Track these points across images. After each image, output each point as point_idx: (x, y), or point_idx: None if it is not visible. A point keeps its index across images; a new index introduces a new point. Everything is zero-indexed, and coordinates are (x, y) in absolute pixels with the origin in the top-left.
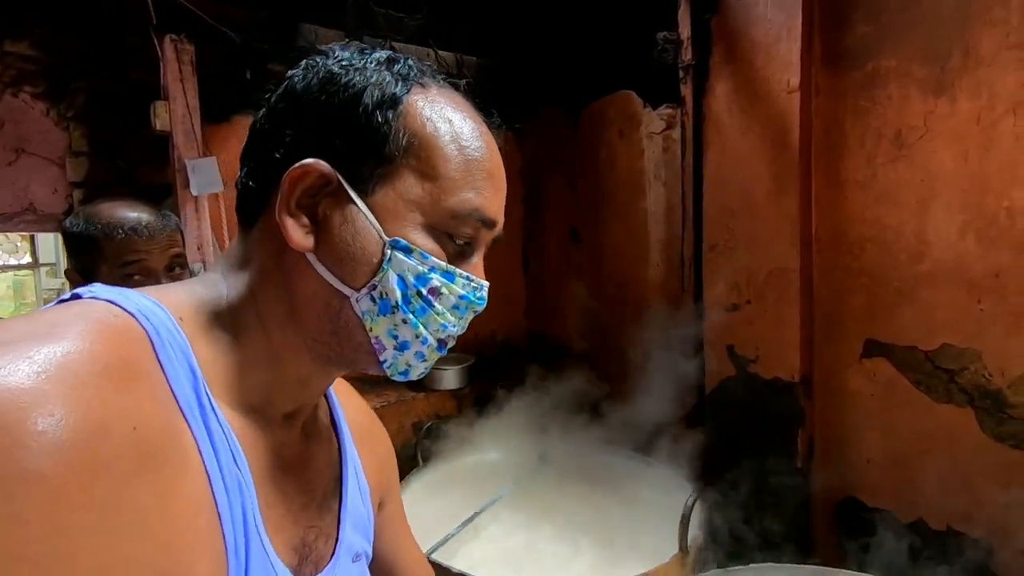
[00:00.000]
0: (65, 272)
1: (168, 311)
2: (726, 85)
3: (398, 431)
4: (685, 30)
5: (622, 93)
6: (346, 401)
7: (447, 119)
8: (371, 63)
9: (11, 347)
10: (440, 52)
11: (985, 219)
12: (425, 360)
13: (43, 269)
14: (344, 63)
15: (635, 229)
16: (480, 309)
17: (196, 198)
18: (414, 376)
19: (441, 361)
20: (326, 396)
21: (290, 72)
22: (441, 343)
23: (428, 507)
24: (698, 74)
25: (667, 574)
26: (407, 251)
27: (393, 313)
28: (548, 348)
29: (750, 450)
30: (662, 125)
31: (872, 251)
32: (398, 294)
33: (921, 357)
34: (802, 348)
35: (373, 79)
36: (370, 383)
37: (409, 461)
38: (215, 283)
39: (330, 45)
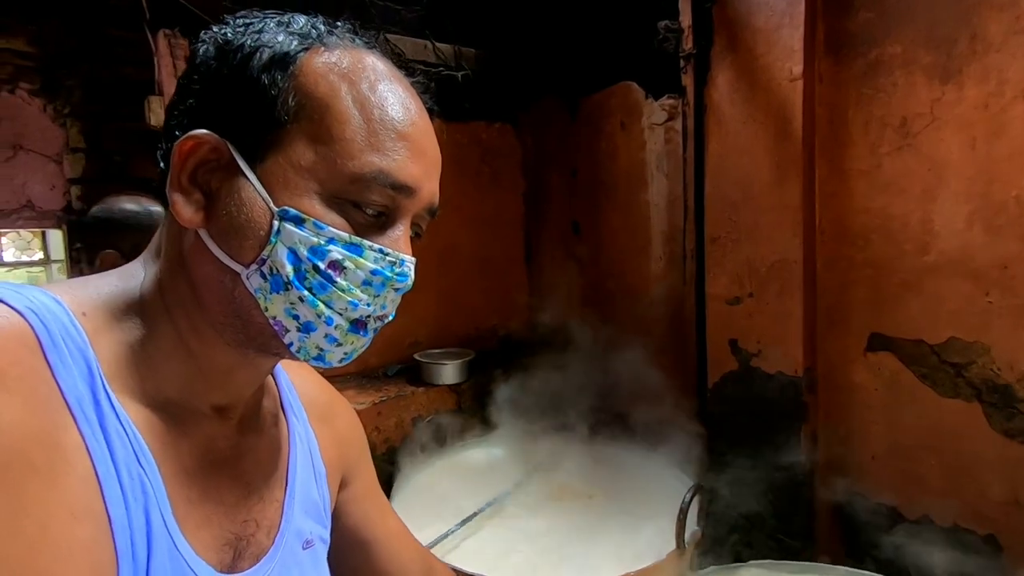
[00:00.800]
0: (105, 256)
1: (67, 307)
2: (728, 74)
3: (397, 425)
4: (686, 18)
5: (623, 84)
6: (301, 380)
7: (347, 78)
8: (271, 24)
9: None
10: (438, 44)
11: (993, 208)
12: (340, 344)
13: (55, 266)
14: (240, 27)
15: (637, 222)
16: (403, 286)
17: None
18: (335, 361)
19: (440, 356)
20: (275, 379)
21: (193, 45)
22: (357, 324)
23: (426, 502)
24: (699, 63)
25: (664, 570)
26: (298, 221)
27: (287, 290)
28: (549, 341)
29: (752, 444)
30: (664, 116)
31: (876, 242)
32: (289, 269)
33: (927, 351)
34: (805, 342)
35: (266, 39)
36: (367, 377)
37: (408, 456)
38: (133, 273)
39: (238, 13)
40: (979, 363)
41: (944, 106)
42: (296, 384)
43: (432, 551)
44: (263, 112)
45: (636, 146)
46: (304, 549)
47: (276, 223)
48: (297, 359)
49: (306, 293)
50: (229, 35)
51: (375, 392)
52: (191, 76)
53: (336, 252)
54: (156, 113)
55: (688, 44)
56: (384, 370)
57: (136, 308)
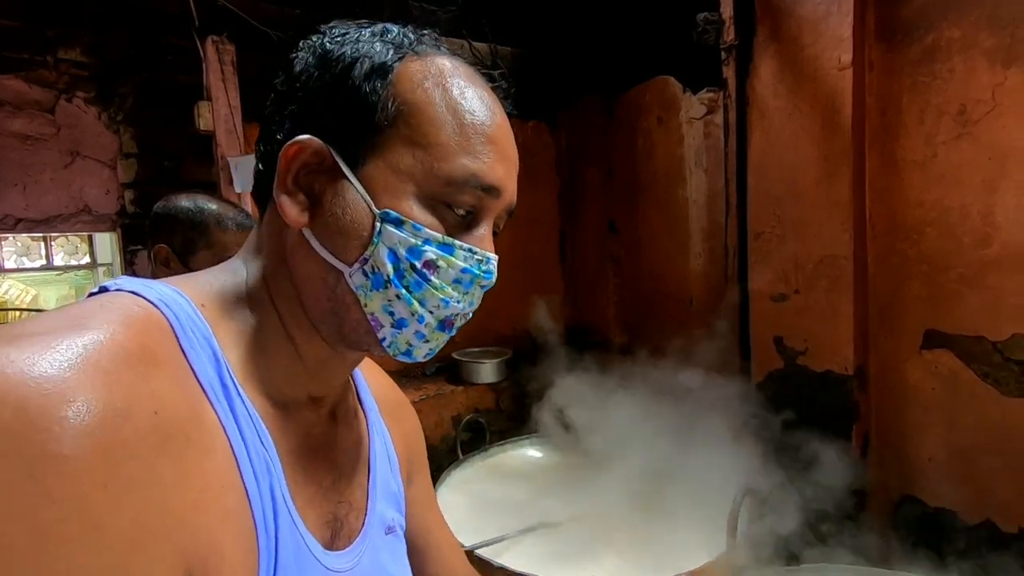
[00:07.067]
0: (156, 250)
1: (190, 299)
2: (771, 65)
3: (437, 424)
4: (727, 9)
5: (660, 78)
6: (372, 378)
7: (440, 85)
8: (365, 34)
9: (38, 339)
10: (475, 43)
11: None
12: (427, 340)
13: (100, 269)
14: (338, 38)
15: (675, 218)
16: (488, 283)
17: (239, 195)
18: (419, 357)
19: (479, 355)
20: (351, 375)
21: (291, 54)
22: (444, 323)
23: (466, 500)
24: (741, 55)
25: (715, 572)
26: (398, 223)
27: (386, 288)
28: (587, 342)
29: (800, 445)
30: (703, 110)
31: (932, 236)
32: (389, 268)
33: (989, 348)
34: (856, 339)
35: (364, 50)
36: (407, 376)
37: (449, 454)
38: (236, 270)
39: (331, 24)
40: None
41: (1007, 91)
42: (368, 381)
43: (481, 551)
44: (364, 118)
45: (674, 141)
46: (387, 534)
47: (378, 224)
48: (386, 354)
49: (403, 291)
50: (328, 45)
51: (415, 391)
52: (291, 84)
53: (431, 252)
54: (204, 117)
55: (730, 35)
56: (423, 368)
57: (244, 301)
